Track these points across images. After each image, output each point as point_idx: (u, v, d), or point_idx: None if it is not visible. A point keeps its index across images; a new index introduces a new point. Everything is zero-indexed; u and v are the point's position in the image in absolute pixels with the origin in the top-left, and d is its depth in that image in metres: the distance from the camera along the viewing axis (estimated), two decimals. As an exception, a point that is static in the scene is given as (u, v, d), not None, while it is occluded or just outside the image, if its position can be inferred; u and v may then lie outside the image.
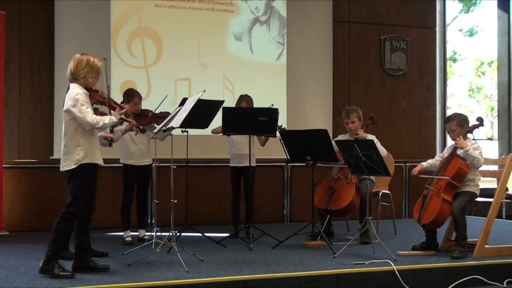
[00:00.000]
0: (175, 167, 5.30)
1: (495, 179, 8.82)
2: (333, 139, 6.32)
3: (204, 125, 5.77)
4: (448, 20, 11.02)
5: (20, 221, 7.04)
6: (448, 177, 5.35)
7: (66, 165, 4.50)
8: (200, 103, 5.25)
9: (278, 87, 8.07)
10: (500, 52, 9.86)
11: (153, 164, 5.81)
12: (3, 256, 5.36)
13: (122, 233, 6.08)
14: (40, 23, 7.28)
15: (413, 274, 4.82)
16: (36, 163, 7.16)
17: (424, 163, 5.73)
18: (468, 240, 5.35)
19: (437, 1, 9.30)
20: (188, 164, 6.05)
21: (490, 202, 5.46)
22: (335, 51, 8.52)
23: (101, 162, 4.67)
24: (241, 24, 7.98)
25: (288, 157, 6.03)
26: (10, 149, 7.12)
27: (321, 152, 5.90)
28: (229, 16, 7.92)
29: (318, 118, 8.15)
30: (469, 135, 5.55)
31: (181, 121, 5.09)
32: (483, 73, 21.54)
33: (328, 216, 6.25)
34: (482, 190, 5.77)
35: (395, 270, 4.75)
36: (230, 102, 7.29)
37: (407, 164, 8.50)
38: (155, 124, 5.91)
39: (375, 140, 5.83)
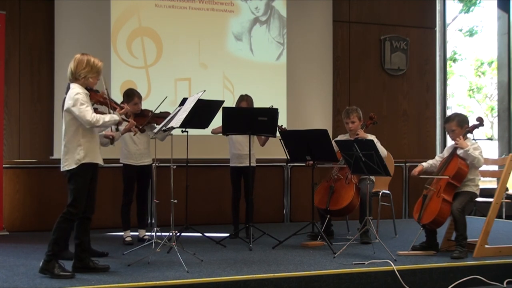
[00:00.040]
0: (175, 167, 5.29)
1: (495, 179, 8.82)
2: (333, 139, 6.32)
3: (204, 125, 5.77)
4: (448, 20, 11.03)
5: (20, 221, 7.04)
6: (448, 177, 5.35)
7: (67, 165, 4.51)
8: (200, 103, 5.24)
9: (278, 87, 8.07)
10: (500, 52, 9.86)
11: (153, 164, 5.81)
12: (3, 256, 5.36)
13: (122, 233, 6.08)
14: (40, 23, 7.28)
15: (413, 274, 4.82)
16: (36, 163, 7.16)
17: (424, 164, 5.73)
18: (468, 240, 5.35)
19: (437, 1, 9.30)
20: (188, 164, 6.05)
21: (490, 202, 5.46)
22: (335, 51, 8.52)
23: (101, 162, 4.67)
24: (241, 24, 7.98)
25: (288, 157, 6.03)
26: (10, 149, 7.12)
27: (321, 152, 5.90)
28: (229, 16, 7.92)
29: (318, 118, 8.15)
30: (469, 135, 5.55)
31: (181, 121, 5.09)
32: (483, 73, 21.55)
33: (328, 216, 6.25)
34: (482, 190, 5.77)
35: (395, 270, 4.75)
36: (230, 102, 7.29)
37: (407, 164, 8.51)
38: (155, 124, 5.91)
39: (375, 140, 5.83)
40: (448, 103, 12.72)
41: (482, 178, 5.73)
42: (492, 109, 20.97)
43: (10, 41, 7.11)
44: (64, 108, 4.52)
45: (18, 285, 4.22)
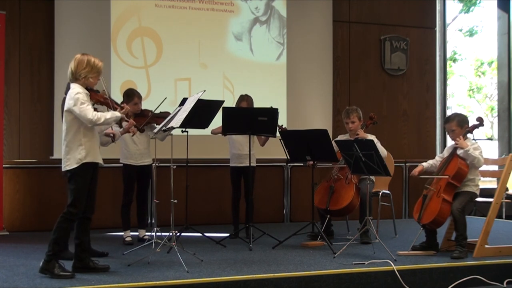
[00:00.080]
0: (175, 167, 5.29)
1: (495, 179, 8.82)
2: (333, 139, 6.32)
3: (204, 125, 5.77)
4: (448, 20, 11.03)
5: (20, 221, 7.04)
6: (448, 177, 5.35)
7: (68, 165, 4.51)
8: (200, 103, 5.24)
9: (278, 87, 8.07)
10: (500, 52, 9.86)
11: (153, 164, 5.81)
12: (3, 256, 5.36)
13: (122, 233, 6.08)
14: (40, 23, 7.29)
15: (413, 274, 4.82)
16: (36, 163, 7.16)
17: (424, 164, 5.73)
18: (468, 240, 5.35)
19: (437, 1, 9.30)
20: (188, 164, 6.05)
21: (490, 202, 5.46)
22: (335, 51, 8.52)
23: (101, 162, 4.67)
24: (241, 24, 7.98)
25: (288, 157, 6.03)
26: (10, 149, 7.12)
27: (321, 152, 5.90)
28: (229, 16, 7.92)
29: (318, 118, 8.15)
30: (469, 135, 5.55)
31: (181, 121, 5.08)
32: (483, 73, 21.54)
33: (328, 216, 6.25)
34: (482, 190, 5.77)
35: (395, 270, 4.74)
36: (230, 102, 7.29)
37: (407, 164, 8.51)
38: (155, 124, 5.91)
39: (375, 140, 5.83)
40: (448, 103, 12.73)
41: (482, 178, 5.73)
42: (492, 109, 20.97)
43: (10, 41, 7.11)
44: (65, 108, 4.52)
45: (18, 285, 4.22)
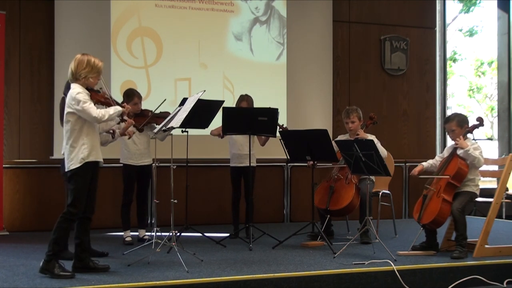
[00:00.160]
0: (175, 167, 5.29)
1: (495, 179, 8.82)
2: (333, 139, 6.32)
3: (204, 125, 5.77)
4: (448, 20, 11.03)
5: (20, 221, 7.04)
6: (448, 177, 5.35)
7: (72, 164, 4.50)
8: (200, 103, 5.24)
9: (278, 87, 8.07)
10: (500, 52, 9.86)
11: (153, 164, 5.81)
12: (3, 256, 5.36)
13: (122, 233, 6.08)
14: (40, 23, 7.29)
15: (413, 274, 4.82)
16: (36, 163, 7.16)
17: (424, 163, 5.73)
18: (468, 240, 5.35)
19: (437, 1, 9.30)
20: (188, 164, 6.05)
21: (490, 202, 5.46)
22: (335, 51, 8.52)
23: (102, 161, 4.67)
24: (241, 24, 7.98)
25: (288, 157, 6.03)
26: (10, 149, 7.12)
27: (321, 152, 5.90)
28: (229, 16, 7.92)
29: (318, 118, 8.15)
30: (469, 135, 5.55)
31: (181, 121, 5.08)
32: (483, 73, 21.55)
33: (328, 216, 6.25)
34: (482, 190, 5.77)
35: (395, 270, 4.74)
36: (230, 102, 7.29)
37: (407, 164, 8.50)
38: (155, 124, 5.91)
39: (375, 140, 5.83)
40: (448, 103, 12.73)
41: (482, 178, 5.73)
42: (492, 109, 20.97)
43: (10, 41, 7.11)
44: (67, 109, 4.51)
45: (18, 285, 4.22)
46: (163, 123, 5.31)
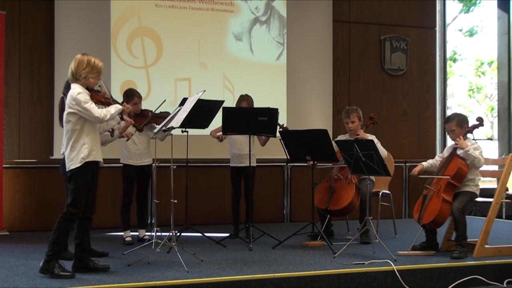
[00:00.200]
0: (175, 167, 5.29)
1: (495, 179, 8.82)
2: (333, 139, 6.32)
3: (204, 125, 5.77)
4: (448, 20, 11.03)
5: (20, 221, 7.04)
6: (448, 177, 5.35)
7: (73, 164, 4.50)
8: (200, 103, 5.24)
9: (278, 87, 8.07)
10: (500, 52, 9.86)
11: (153, 164, 5.81)
12: (3, 256, 5.36)
13: (122, 233, 6.08)
14: (40, 23, 7.29)
15: (413, 274, 4.82)
16: (36, 163, 7.16)
17: (424, 163, 5.73)
18: (468, 240, 5.35)
19: (437, 1, 9.30)
20: (188, 164, 6.05)
21: (490, 202, 5.46)
22: (335, 51, 8.52)
23: (102, 161, 4.67)
24: (241, 24, 7.98)
25: (288, 157, 6.03)
26: (10, 149, 7.12)
27: (321, 152, 5.90)
28: (229, 16, 7.92)
29: (318, 118, 8.15)
30: (469, 135, 5.55)
31: (181, 121, 5.08)
32: (483, 73, 21.55)
33: (328, 216, 6.25)
34: (482, 190, 5.77)
35: (395, 270, 4.74)
36: (230, 102, 7.29)
37: (407, 164, 8.50)
38: (155, 124, 5.91)
39: (375, 140, 5.83)
40: (448, 103, 12.73)
41: (482, 178, 5.73)
42: (492, 109, 20.97)
43: (10, 41, 7.11)
44: (68, 109, 4.50)
45: (18, 285, 4.22)
46: (163, 123, 5.31)
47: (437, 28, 9.23)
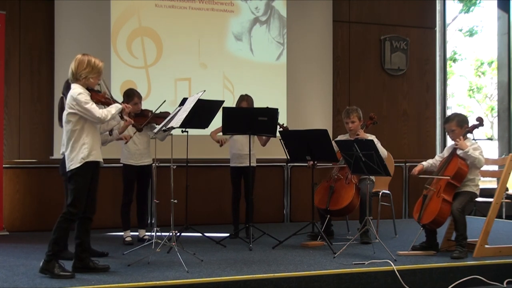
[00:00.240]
0: (175, 167, 5.29)
1: (495, 179, 8.82)
2: (333, 139, 6.32)
3: (204, 125, 5.77)
4: (448, 20, 11.03)
5: (20, 221, 7.04)
6: (448, 177, 5.35)
7: (73, 164, 4.51)
8: (200, 103, 5.24)
9: (278, 87, 8.07)
10: (500, 52, 9.86)
11: (153, 164, 5.81)
12: (3, 256, 5.36)
13: (122, 233, 6.08)
14: (40, 23, 7.29)
15: (413, 274, 4.82)
16: (36, 163, 7.16)
17: (424, 163, 5.73)
18: (468, 240, 5.35)
19: (437, 1, 9.30)
20: (188, 164, 6.05)
21: (490, 202, 5.46)
22: (335, 51, 8.52)
23: (102, 161, 4.67)
24: (241, 24, 7.98)
25: (288, 157, 6.03)
26: (10, 149, 7.12)
27: (321, 152, 5.90)
28: (229, 16, 7.92)
29: (318, 118, 8.15)
30: (469, 135, 5.55)
31: (181, 121, 5.08)
32: (483, 73, 21.55)
33: (328, 216, 6.25)
34: (482, 190, 5.77)
35: (395, 270, 4.74)
36: (230, 102, 7.29)
37: (407, 164, 8.50)
38: (155, 124, 5.91)
39: (375, 141, 5.83)
40: (448, 103, 12.73)
41: (482, 178, 5.73)
42: (492, 109, 20.97)
43: (10, 41, 7.11)
44: (68, 109, 4.50)
45: (18, 285, 4.22)
46: (163, 123, 5.31)
47: (437, 28, 9.23)
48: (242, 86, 7.62)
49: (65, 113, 4.55)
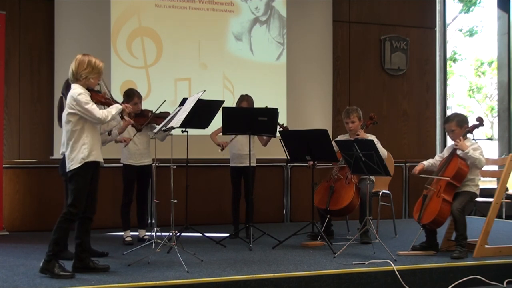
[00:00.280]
0: (175, 167, 5.29)
1: (495, 179, 8.82)
2: (333, 139, 6.32)
3: (204, 125, 5.77)
4: (448, 20, 11.03)
5: (20, 221, 7.04)
6: (448, 178, 5.35)
7: (73, 164, 4.51)
8: (200, 103, 5.24)
9: (278, 87, 8.07)
10: (500, 52, 9.86)
11: (153, 164, 5.81)
12: (3, 256, 5.36)
13: (122, 233, 6.08)
14: (40, 23, 7.29)
15: (413, 274, 4.82)
16: (36, 163, 7.16)
17: (425, 162, 5.73)
18: (468, 240, 5.35)
19: (437, 1, 9.30)
20: (188, 164, 6.05)
21: (490, 202, 5.46)
22: (335, 51, 8.52)
23: (102, 161, 4.67)
24: (241, 24, 7.98)
25: (288, 157, 6.03)
26: (10, 149, 7.12)
27: (321, 152, 5.90)
28: (229, 16, 7.92)
29: (318, 118, 8.15)
30: (469, 135, 5.55)
31: (181, 121, 5.08)
32: (483, 73, 21.55)
33: (328, 216, 6.25)
34: (482, 190, 5.77)
35: (395, 270, 4.74)
36: (230, 102, 7.29)
37: (407, 164, 8.51)
38: (155, 124, 5.91)
39: (375, 141, 5.83)
40: (448, 103, 12.73)
41: (482, 178, 5.73)
42: (492, 109, 20.97)
43: (10, 41, 7.11)
44: (68, 109, 4.50)
45: (18, 285, 4.22)
46: (163, 123, 5.31)
47: (437, 28, 9.24)
48: (242, 86, 7.63)
49: (65, 113, 4.55)
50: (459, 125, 5.53)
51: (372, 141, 5.46)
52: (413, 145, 8.90)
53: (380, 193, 6.53)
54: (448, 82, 12.16)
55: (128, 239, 5.99)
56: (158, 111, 5.75)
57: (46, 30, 7.27)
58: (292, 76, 8.16)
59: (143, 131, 5.95)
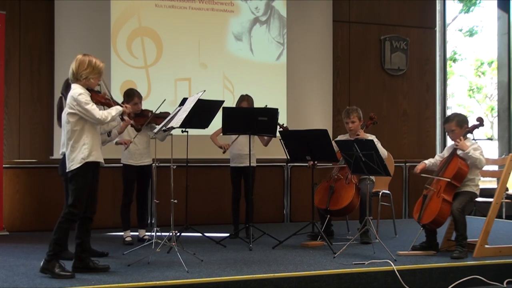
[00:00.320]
0: (175, 167, 5.29)
1: (495, 179, 8.82)
2: (333, 139, 6.32)
3: (204, 125, 5.77)
4: (448, 20, 11.03)
5: (20, 221, 7.04)
6: (448, 179, 5.34)
7: (73, 164, 4.51)
8: (200, 103, 5.24)
9: (278, 87, 8.07)
10: (500, 52, 9.86)
11: (153, 164, 5.81)
12: (3, 256, 5.36)
13: (122, 233, 6.08)
14: (40, 23, 7.29)
15: (413, 274, 4.82)
16: (36, 163, 7.16)
17: (426, 161, 5.73)
18: (468, 240, 5.34)
19: (437, 1, 9.30)
20: (188, 164, 6.05)
21: (490, 202, 5.46)
22: (335, 51, 8.52)
23: (103, 162, 4.67)
24: (241, 24, 7.98)
25: (288, 157, 6.03)
26: (10, 149, 7.12)
27: (321, 152, 5.90)
28: (229, 16, 7.92)
29: (318, 118, 8.16)
30: (469, 135, 5.55)
31: (181, 121, 5.08)
32: (483, 73, 21.55)
33: (328, 216, 6.25)
34: (482, 190, 5.76)
35: (395, 270, 4.74)
36: (230, 102, 7.29)
37: (407, 164, 8.51)
38: (155, 124, 5.91)
39: (376, 141, 5.83)
40: (448, 103, 12.72)
41: (482, 178, 5.73)
42: (492, 109, 20.97)
43: (10, 41, 7.11)
44: (69, 110, 4.50)
45: (18, 285, 4.22)
46: (163, 123, 5.32)
47: (437, 28, 9.24)
48: (242, 86, 7.63)
49: (65, 113, 4.55)
50: (459, 125, 5.53)
51: (372, 141, 5.46)
52: (413, 145, 8.90)
53: (380, 193, 6.53)
54: (448, 82, 12.16)
55: (128, 239, 5.99)
56: (158, 111, 5.75)
57: (46, 30, 7.27)
58: (292, 76, 8.16)
59: (143, 131, 5.96)
